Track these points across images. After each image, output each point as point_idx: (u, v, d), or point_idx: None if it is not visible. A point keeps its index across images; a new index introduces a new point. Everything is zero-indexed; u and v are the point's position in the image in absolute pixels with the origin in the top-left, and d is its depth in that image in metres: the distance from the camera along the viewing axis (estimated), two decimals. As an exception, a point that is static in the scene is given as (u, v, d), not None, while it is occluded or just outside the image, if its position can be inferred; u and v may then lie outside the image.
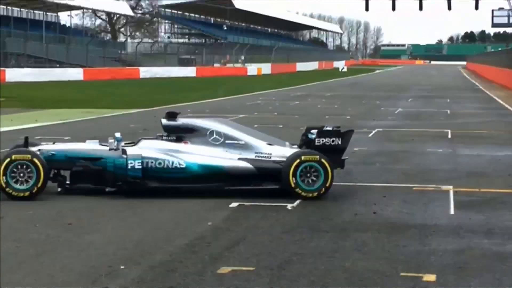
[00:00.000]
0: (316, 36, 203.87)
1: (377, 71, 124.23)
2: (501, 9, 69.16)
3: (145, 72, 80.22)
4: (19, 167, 12.67)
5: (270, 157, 13.30)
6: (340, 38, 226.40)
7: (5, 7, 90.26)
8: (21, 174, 12.67)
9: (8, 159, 12.71)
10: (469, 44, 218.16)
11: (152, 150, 13.21)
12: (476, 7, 62.20)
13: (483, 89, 59.47)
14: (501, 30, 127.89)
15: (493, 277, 8.41)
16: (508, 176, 15.67)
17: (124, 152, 13.11)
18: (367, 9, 64.09)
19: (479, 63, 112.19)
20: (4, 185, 12.62)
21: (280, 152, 13.38)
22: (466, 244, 9.94)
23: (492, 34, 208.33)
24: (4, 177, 12.62)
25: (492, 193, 13.69)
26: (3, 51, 78.64)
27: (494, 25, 72.74)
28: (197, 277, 8.29)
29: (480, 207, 12.43)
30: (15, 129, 24.24)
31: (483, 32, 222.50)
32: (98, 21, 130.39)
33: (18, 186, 12.66)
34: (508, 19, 69.35)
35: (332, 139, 13.36)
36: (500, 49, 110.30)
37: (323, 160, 12.84)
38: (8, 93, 44.36)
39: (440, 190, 13.95)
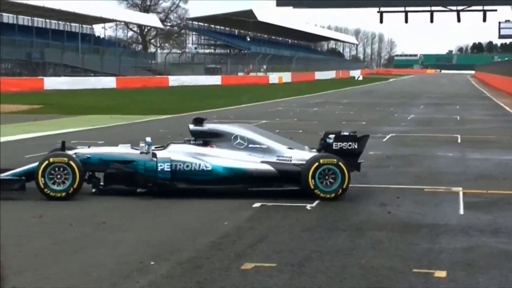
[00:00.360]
0: (334, 46, 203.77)
1: (391, 79, 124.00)
2: (507, 21, 68.84)
3: (174, 80, 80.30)
4: (57, 169, 12.72)
5: (291, 160, 13.29)
6: (356, 49, 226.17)
7: (43, 19, 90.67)
8: (58, 176, 12.73)
9: (47, 162, 12.76)
10: (477, 54, 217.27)
11: (180, 153, 13.23)
12: (484, 19, 62.00)
13: (491, 97, 59.22)
14: (507, 41, 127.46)
15: (500, 273, 8.38)
16: (514, 179, 15.62)
17: (154, 155, 13.13)
18: (381, 21, 63.99)
19: (486, 72, 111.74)
20: (42, 186, 12.68)
21: (300, 155, 13.37)
22: (474, 242, 9.90)
23: (499, 45, 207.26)
24: (42, 179, 12.68)
25: (499, 195, 13.63)
26: (42, 61, 79.03)
27: (501, 36, 72.38)
28: (223, 272, 8.28)
29: (488, 207, 12.38)
30: (52, 133, 24.32)
31: (490, 43, 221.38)
32: (130, 33, 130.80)
33: (55, 187, 12.71)
34: (515, 31, 69.02)
35: (349, 143, 13.35)
36: (506, 59, 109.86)
37: (340, 163, 12.83)
38: (46, 100, 44.56)
39: (450, 191, 13.91)
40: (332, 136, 13.56)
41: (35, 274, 8.15)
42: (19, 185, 13.01)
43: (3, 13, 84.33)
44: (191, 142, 13.69)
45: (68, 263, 8.63)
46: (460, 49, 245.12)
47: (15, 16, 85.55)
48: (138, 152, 13.33)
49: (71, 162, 12.76)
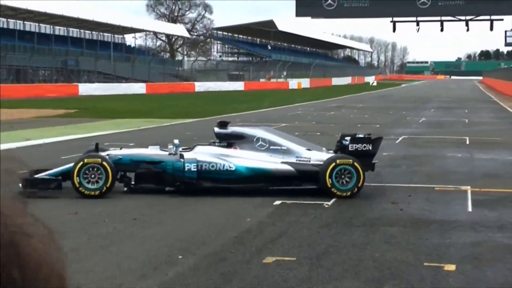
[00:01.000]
0: (349, 54, 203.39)
1: (403, 85, 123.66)
2: (513, 30, 68.58)
3: (200, 86, 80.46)
4: (91, 169, 12.80)
5: (309, 161, 13.31)
6: (371, 56, 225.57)
7: (78, 30, 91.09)
8: (92, 176, 12.80)
9: (81, 163, 12.84)
10: (484, 61, 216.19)
11: (206, 154, 13.28)
12: (491, 28, 61.81)
13: (497, 101, 58.96)
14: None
15: (505, 267, 8.37)
16: (519, 178, 15.57)
17: (181, 156, 13.19)
18: (394, 30, 63.90)
19: (493, 78, 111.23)
20: (77, 185, 12.76)
21: (318, 156, 13.39)
22: (481, 237, 9.89)
23: (505, 52, 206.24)
24: (77, 178, 12.76)
25: (505, 193, 13.60)
26: (77, 68, 79.40)
27: (507, 44, 72.13)
28: (245, 265, 8.31)
29: (494, 205, 12.36)
30: (86, 136, 24.43)
31: (497, 50, 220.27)
32: (159, 42, 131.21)
33: (89, 185, 12.78)
34: (520, 39, 68.76)
35: (363, 145, 13.36)
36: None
37: (355, 164, 12.84)
38: (80, 105, 44.75)
39: (459, 190, 13.88)
40: (348, 138, 13.58)
41: (72, 267, 8.16)
42: (55, 184, 13.09)
43: (41, 24, 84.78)
44: (216, 144, 13.74)
45: (102, 256, 8.69)
46: (469, 56, 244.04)
47: (52, 26, 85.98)
48: (167, 153, 13.39)
49: (104, 163, 12.83)
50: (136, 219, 10.94)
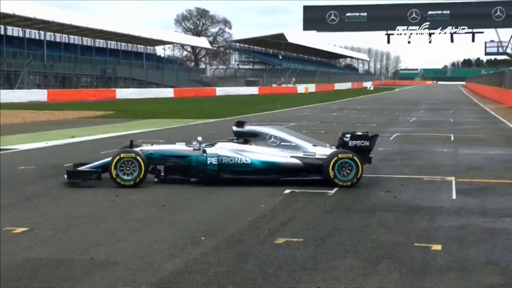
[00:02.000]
0: (350, 62, 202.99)
1: (397, 89, 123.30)
2: (492, 41, 68.38)
3: (220, 91, 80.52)
4: (126, 163, 12.82)
5: (315, 155, 13.28)
6: (368, 64, 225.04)
7: (115, 42, 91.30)
8: (128, 168, 12.81)
9: (118, 157, 12.86)
10: (467, 68, 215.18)
11: (225, 150, 13.27)
12: (473, 40, 61.66)
13: (478, 103, 58.72)
14: (492, 57, 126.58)
15: (486, 247, 8.32)
16: (498, 169, 15.48)
17: (204, 151, 13.18)
18: (388, 42, 63.79)
19: (475, 83, 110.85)
20: (115, 176, 12.78)
21: (322, 151, 13.36)
22: (465, 221, 9.83)
23: (485, 61, 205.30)
24: (115, 170, 12.78)
25: (485, 183, 13.52)
26: (114, 75, 79.60)
27: (486, 53, 72.01)
28: (259, 246, 8.30)
29: (477, 193, 12.29)
30: (122, 134, 24.49)
31: (478, 59, 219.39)
32: (185, 53, 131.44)
33: (125, 177, 12.79)
34: (498, 49, 68.62)
35: (362, 141, 13.33)
36: (491, 72, 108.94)
37: (355, 158, 12.81)
38: (118, 107, 44.87)
39: (445, 180, 13.81)
40: (348, 135, 13.53)
41: (110, 247, 8.21)
42: (96, 176, 13.12)
43: (83, 37, 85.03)
44: (234, 140, 13.74)
45: (136, 238, 8.69)
46: (453, 64, 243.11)
47: (93, 39, 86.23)
48: (191, 149, 13.38)
49: (138, 157, 12.84)
50: (165, 206, 10.94)
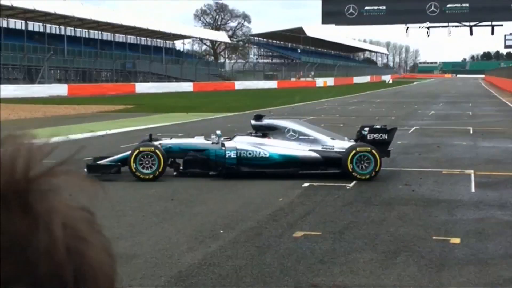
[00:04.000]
0: (368, 56, 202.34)
1: (415, 82, 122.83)
2: (511, 34, 67.96)
3: (239, 85, 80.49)
4: (145, 156, 12.85)
5: (333, 149, 13.25)
6: (387, 58, 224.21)
7: (135, 37, 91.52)
8: (147, 162, 12.85)
9: (137, 151, 12.90)
10: (486, 61, 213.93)
11: (244, 143, 13.27)
12: (492, 33, 61.24)
13: (498, 96, 58.35)
14: (511, 50, 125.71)
15: (505, 240, 8.28)
16: (517, 163, 15.39)
17: (223, 145, 13.19)
18: (407, 35, 63.50)
19: (494, 76, 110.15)
20: (134, 170, 12.82)
21: (341, 144, 13.33)
22: (484, 215, 9.79)
23: (504, 53, 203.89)
24: (134, 164, 12.82)
25: (504, 176, 13.44)
26: (134, 70, 79.85)
27: (506, 46, 71.64)
28: (278, 239, 8.30)
29: (495, 186, 12.23)
30: (142, 128, 24.54)
31: (497, 52, 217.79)
32: (204, 47, 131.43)
33: (144, 170, 12.83)
34: (517, 42, 68.18)
35: (380, 134, 13.30)
36: (510, 65, 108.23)
37: (373, 151, 12.78)
38: (137, 102, 44.97)
39: (463, 173, 13.75)
40: (367, 129, 13.50)
41: (130, 240, 8.25)
42: (115, 169, 13.18)
43: (103, 32, 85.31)
44: (253, 134, 13.74)
45: (155, 231, 8.72)
46: (472, 57, 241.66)
47: (112, 34, 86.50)
48: (210, 142, 13.39)
49: (157, 151, 12.88)
50: (182, 199, 10.96)
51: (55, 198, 0.72)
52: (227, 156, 13.06)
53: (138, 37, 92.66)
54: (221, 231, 8.66)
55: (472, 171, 13.94)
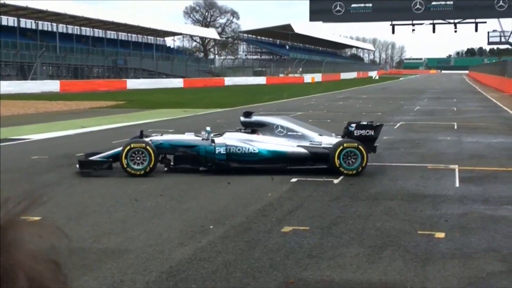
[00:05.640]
0: (355, 52, 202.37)
1: (401, 78, 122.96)
2: (494, 31, 68.21)
3: (228, 81, 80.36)
4: (136, 152, 12.84)
5: (321, 145, 13.27)
6: (373, 54, 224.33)
7: (126, 34, 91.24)
8: (138, 158, 12.84)
9: (128, 147, 12.88)
10: (470, 57, 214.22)
11: (234, 139, 13.27)
12: (476, 30, 61.41)
13: (481, 91, 58.51)
14: (495, 46, 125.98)
15: (488, 234, 8.31)
16: (500, 157, 15.43)
17: (213, 141, 13.19)
18: (393, 32, 63.60)
19: (478, 72, 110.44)
20: (125, 166, 12.81)
21: (328, 140, 13.34)
22: (468, 209, 9.82)
23: (488, 50, 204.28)
24: (125, 160, 12.80)
25: (488, 171, 13.49)
26: (125, 66, 79.62)
27: (489, 43, 71.92)
28: (267, 234, 8.31)
29: (479, 181, 12.27)
30: (133, 124, 24.50)
31: (481, 48, 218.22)
32: (194, 44, 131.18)
33: (135, 166, 12.82)
34: (500, 38, 68.46)
35: (367, 131, 13.32)
36: (494, 61, 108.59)
37: (360, 147, 12.80)
38: (128, 98, 44.86)
39: (448, 168, 13.79)
40: (353, 125, 13.52)
41: (121, 236, 8.23)
42: (107, 165, 13.15)
43: (95, 29, 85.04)
44: (242, 130, 13.73)
45: (146, 227, 8.71)
46: (457, 53, 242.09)
47: (104, 31, 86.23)
48: (200, 138, 13.38)
49: (148, 147, 12.86)
50: (172, 195, 10.95)
51: (19, 250, 0.71)
52: (217, 152, 13.06)
53: (129, 34, 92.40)
54: (211, 227, 8.66)
55: (456, 166, 13.98)
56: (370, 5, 62.59)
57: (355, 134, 13.28)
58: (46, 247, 0.74)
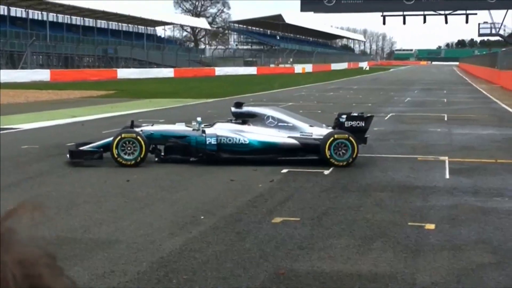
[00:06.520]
0: (346, 43, 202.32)
1: (392, 69, 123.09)
2: (485, 22, 68.24)
3: (219, 71, 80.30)
4: (127, 142, 12.82)
5: (311, 136, 13.27)
6: (364, 45, 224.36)
7: (116, 23, 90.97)
8: (129, 148, 12.82)
9: (119, 137, 12.86)
10: (461, 49, 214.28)
11: (224, 130, 13.26)
12: (467, 21, 61.44)
13: (471, 83, 58.65)
14: (485, 38, 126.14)
15: (478, 226, 8.34)
16: (490, 149, 15.48)
17: (203, 131, 13.18)
18: (384, 23, 63.60)
19: (468, 63, 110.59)
20: (116, 156, 12.79)
21: (319, 131, 13.35)
22: (458, 201, 9.85)
23: (478, 41, 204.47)
24: (116, 150, 12.78)
25: (477, 162, 13.53)
26: (115, 56, 79.40)
27: (480, 34, 71.88)
28: (257, 225, 8.31)
29: (469, 173, 12.30)
30: (123, 114, 24.45)
31: (471, 39, 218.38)
32: (185, 33, 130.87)
33: (126, 156, 12.80)
34: (491, 30, 68.48)
35: (357, 122, 13.32)
36: (484, 52, 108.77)
37: (351, 138, 12.81)
38: (119, 87, 44.78)
39: (438, 160, 13.82)
40: (344, 116, 13.52)
41: (111, 226, 8.22)
42: (98, 155, 13.12)
43: (85, 18, 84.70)
44: (233, 121, 13.72)
45: (137, 217, 8.70)
46: (447, 45, 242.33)
47: (94, 20, 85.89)
48: (191, 129, 13.37)
49: (139, 137, 12.84)
50: (163, 185, 10.94)
51: (15, 247, 0.70)
52: (207, 142, 13.05)
53: (120, 24, 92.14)
54: (202, 217, 8.66)
55: (446, 157, 14.02)
56: (361, -4, 62.50)
57: (345, 125, 13.29)
58: (38, 237, 0.74)
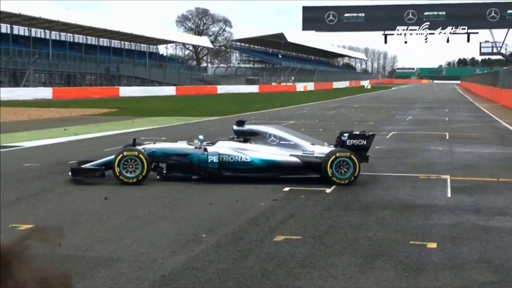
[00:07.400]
0: (347, 62, 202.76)
1: (393, 88, 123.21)
2: (486, 41, 68.47)
3: (221, 89, 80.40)
4: (129, 160, 12.82)
5: (313, 154, 13.28)
6: (366, 63, 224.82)
7: (119, 41, 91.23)
8: (130, 166, 12.82)
9: (121, 155, 12.87)
10: (462, 68, 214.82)
11: (226, 148, 13.27)
12: (468, 40, 61.66)
13: (473, 102, 58.68)
14: (486, 57, 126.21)
15: (480, 245, 8.33)
16: (492, 167, 15.47)
17: (205, 149, 13.19)
18: (385, 42, 63.80)
19: (470, 82, 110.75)
20: (118, 174, 12.79)
21: (321, 150, 13.36)
22: (459, 219, 9.84)
23: (480, 60, 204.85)
24: (118, 168, 12.79)
25: (479, 181, 13.52)
26: (118, 74, 79.56)
27: (481, 53, 72.15)
28: (259, 243, 8.30)
29: (471, 191, 12.30)
30: (125, 132, 24.47)
31: (473, 58, 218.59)
32: (187, 52, 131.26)
33: (128, 174, 12.80)
34: (492, 49, 68.74)
35: (359, 140, 13.34)
36: (485, 71, 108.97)
37: (352, 156, 12.82)
38: (121, 105, 44.83)
39: (440, 178, 13.82)
40: (346, 134, 13.54)
41: (114, 244, 8.22)
42: (100, 173, 13.12)
43: (88, 36, 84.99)
44: (235, 139, 13.74)
45: (139, 235, 8.69)
46: (449, 64, 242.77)
47: (97, 38, 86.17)
48: (193, 147, 13.39)
49: (140, 155, 12.85)
50: (166, 203, 10.93)
51: (34, 265, 0.72)
52: (209, 160, 13.06)
53: (122, 42, 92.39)
54: (204, 235, 8.65)
55: (448, 176, 14.01)
56: (363, 14, 62.83)
57: (347, 144, 13.30)
58: (53, 258, 0.76)
